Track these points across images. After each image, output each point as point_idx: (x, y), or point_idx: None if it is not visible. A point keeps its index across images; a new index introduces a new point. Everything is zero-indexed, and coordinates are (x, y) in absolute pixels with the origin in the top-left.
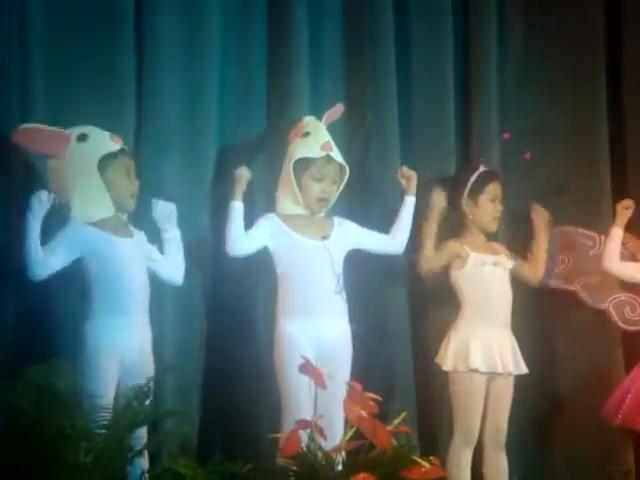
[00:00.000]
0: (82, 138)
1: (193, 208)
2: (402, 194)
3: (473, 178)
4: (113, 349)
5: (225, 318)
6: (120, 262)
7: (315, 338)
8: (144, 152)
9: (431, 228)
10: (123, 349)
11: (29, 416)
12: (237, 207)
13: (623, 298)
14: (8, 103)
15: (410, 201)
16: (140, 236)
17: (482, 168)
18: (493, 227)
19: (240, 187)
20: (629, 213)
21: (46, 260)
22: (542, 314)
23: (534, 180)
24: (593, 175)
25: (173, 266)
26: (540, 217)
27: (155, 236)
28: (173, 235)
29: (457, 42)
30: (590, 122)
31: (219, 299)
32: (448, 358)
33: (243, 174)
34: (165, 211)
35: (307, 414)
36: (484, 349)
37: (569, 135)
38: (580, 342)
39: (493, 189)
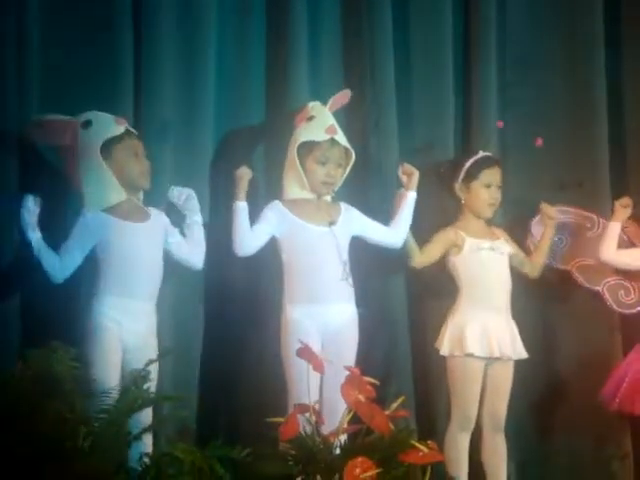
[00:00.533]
0: (86, 125)
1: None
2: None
3: (468, 163)
4: (116, 328)
5: (227, 303)
6: (130, 249)
7: (322, 324)
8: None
9: None
10: (127, 333)
11: (28, 400)
12: (241, 207)
13: (618, 281)
14: (5, 98)
15: (411, 196)
16: (157, 218)
17: (481, 154)
18: (487, 213)
19: (242, 187)
20: (628, 212)
21: (62, 264)
22: (541, 298)
23: (533, 167)
24: (592, 162)
25: (192, 249)
26: (547, 216)
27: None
28: (192, 220)
29: (456, 25)
30: (590, 108)
31: (221, 284)
32: (445, 343)
33: (244, 174)
34: (181, 196)
35: (313, 400)
36: (481, 333)
37: (567, 121)
38: (579, 327)
39: (489, 175)
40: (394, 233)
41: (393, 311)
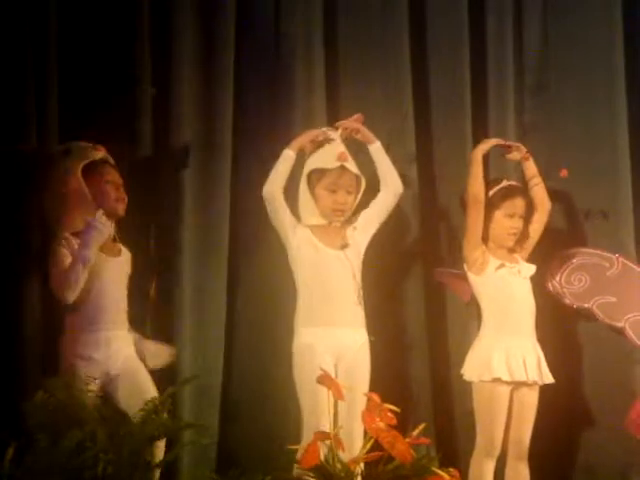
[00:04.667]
0: (66, 152)
1: (211, 222)
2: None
3: (491, 193)
4: (90, 364)
5: (246, 329)
6: (100, 280)
7: (335, 348)
8: (162, 165)
9: None
10: (103, 363)
11: (49, 429)
12: (286, 156)
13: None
14: (25, 120)
15: (377, 147)
16: (127, 255)
17: (504, 183)
18: (508, 242)
19: (301, 140)
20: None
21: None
22: (564, 325)
23: (553, 195)
24: (614, 191)
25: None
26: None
27: None
28: None
29: (474, 51)
30: (611, 135)
31: (240, 309)
32: (472, 368)
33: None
34: None
35: (327, 425)
36: (507, 358)
37: (588, 149)
38: (602, 353)
39: (512, 205)
40: (389, 188)
41: (412, 335)
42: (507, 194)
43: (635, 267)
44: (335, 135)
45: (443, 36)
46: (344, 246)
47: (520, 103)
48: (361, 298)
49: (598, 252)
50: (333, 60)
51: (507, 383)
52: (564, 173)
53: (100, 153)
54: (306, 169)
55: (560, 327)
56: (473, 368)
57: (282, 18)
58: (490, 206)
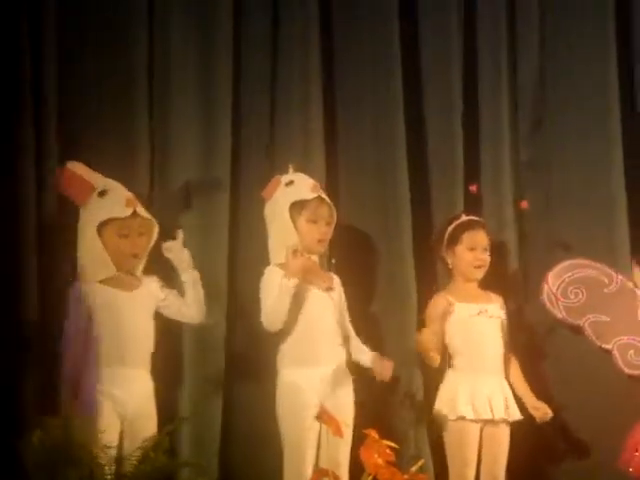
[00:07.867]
0: (102, 194)
1: (210, 262)
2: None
3: (450, 229)
4: (110, 401)
5: (242, 366)
6: (117, 316)
7: (320, 388)
8: (159, 200)
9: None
10: (121, 401)
11: (46, 468)
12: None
13: (629, 341)
14: (24, 144)
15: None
16: (149, 285)
17: (463, 218)
18: (475, 275)
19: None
20: None
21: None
22: (550, 356)
23: (551, 224)
24: (610, 219)
25: (187, 307)
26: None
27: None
28: (182, 279)
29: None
30: (606, 166)
31: (237, 346)
32: (437, 407)
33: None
34: (174, 251)
35: (310, 463)
36: (472, 396)
37: (584, 177)
38: (589, 387)
39: (471, 237)
40: (355, 345)
41: (408, 372)
42: (465, 228)
43: (633, 288)
44: (298, 174)
45: (436, 73)
46: (329, 289)
47: (515, 140)
48: (345, 339)
49: (599, 266)
50: (331, 100)
51: (474, 421)
52: (524, 205)
53: (129, 210)
54: (285, 204)
55: (548, 356)
56: (439, 407)
57: (279, 55)
58: (451, 242)
